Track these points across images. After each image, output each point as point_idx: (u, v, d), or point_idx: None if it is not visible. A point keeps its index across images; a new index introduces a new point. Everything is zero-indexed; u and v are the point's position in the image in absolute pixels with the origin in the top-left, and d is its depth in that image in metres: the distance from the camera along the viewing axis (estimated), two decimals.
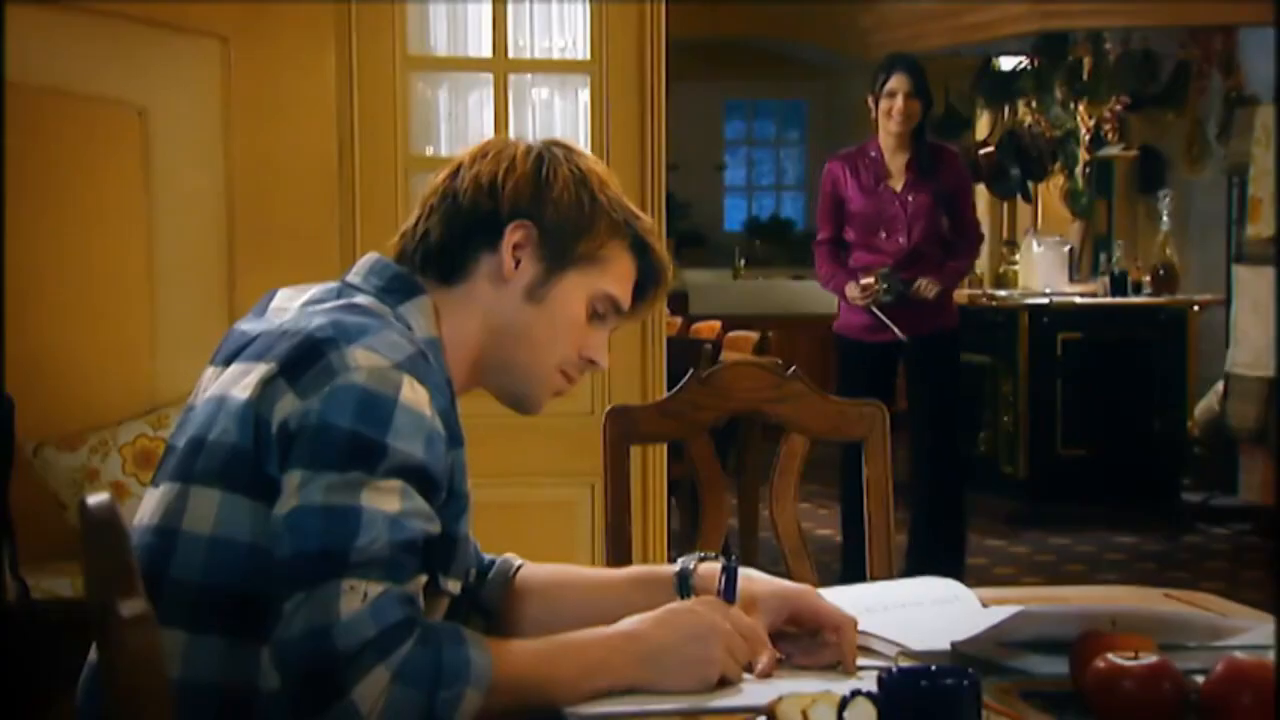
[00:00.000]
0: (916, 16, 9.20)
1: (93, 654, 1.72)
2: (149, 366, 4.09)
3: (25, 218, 3.78)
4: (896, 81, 5.90)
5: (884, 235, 5.92)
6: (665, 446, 4.34)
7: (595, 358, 1.88)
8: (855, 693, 1.49)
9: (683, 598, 1.87)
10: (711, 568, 1.92)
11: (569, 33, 4.41)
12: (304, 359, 1.64)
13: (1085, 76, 8.95)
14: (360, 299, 1.76)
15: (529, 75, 4.40)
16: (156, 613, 1.63)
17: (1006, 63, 9.32)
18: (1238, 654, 1.57)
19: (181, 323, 4.10)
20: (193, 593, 1.65)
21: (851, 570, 5.46)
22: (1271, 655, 1.67)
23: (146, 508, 1.73)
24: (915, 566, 5.59)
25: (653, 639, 1.69)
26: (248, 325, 1.79)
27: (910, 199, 5.93)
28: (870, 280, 5.83)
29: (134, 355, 4.08)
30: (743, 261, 11.89)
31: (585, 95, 4.39)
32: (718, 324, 7.65)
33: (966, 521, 6.26)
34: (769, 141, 13.04)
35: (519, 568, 2.01)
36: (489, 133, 4.31)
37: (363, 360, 1.63)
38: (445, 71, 4.38)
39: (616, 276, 1.86)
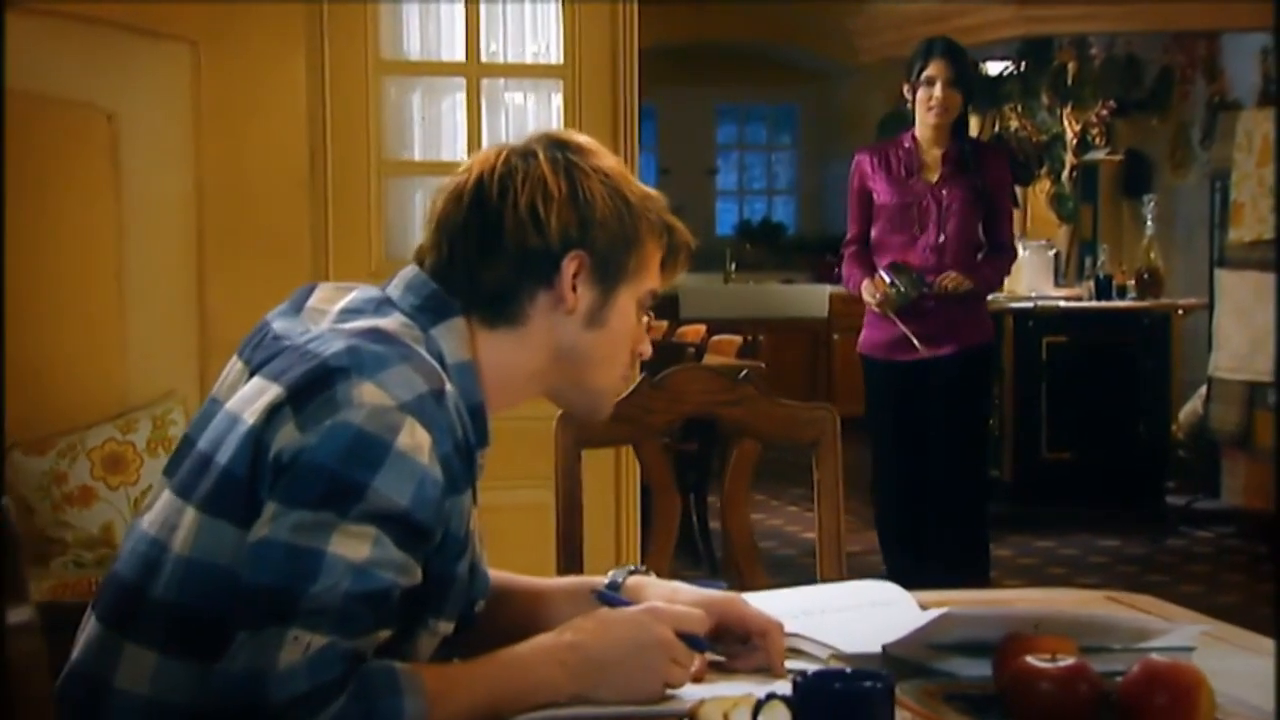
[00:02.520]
0: (903, 21, 9.22)
1: (74, 654, 1.72)
2: (119, 370, 4.09)
3: None
4: (935, 68, 5.35)
5: (915, 231, 5.38)
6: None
7: (644, 351, 1.89)
8: (770, 695, 1.51)
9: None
10: (639, 581, 1.93)
11: (542, 37, 4.43)
12: (311, 387, 1.61)
13: (1070, 81, 8.98)
14: (391, 320, 1.72)
15: (502, 80, 4.41)
16: (132, 629, 1.65)
17: (993, 67, 9.34)
18: (1155, 655, 1.58)
19: (151, 327, 4.11)
20: (169, 614, 1.64)
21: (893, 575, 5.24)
22: (1186, 657, 1.69)
23: (156, 508, 1.72)
24: (937, 577, 5.46)
25: (595, 651, 1.68)
26: (280, 324, 1.77)
27: (944, 193, 5.38)
28: (885, 275, 5.31)
29: (104, 359, 4.09)
30: (733, 265, 11.92)
31: (558, 99, 4.41)
32: (703, 328, 7.65)
33: (988, 532, 5.85)
34: (760, 146, 13.05)
35: None
36: (462, 137, 4.33)
37: (368, 398, 1.59)
38: (418, 76, 4.39)
39: (655, 269, 1.85)
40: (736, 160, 13.01)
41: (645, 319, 1.88)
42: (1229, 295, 7.51)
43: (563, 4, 4.35)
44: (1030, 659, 1.58)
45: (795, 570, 6.00)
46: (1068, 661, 1.57)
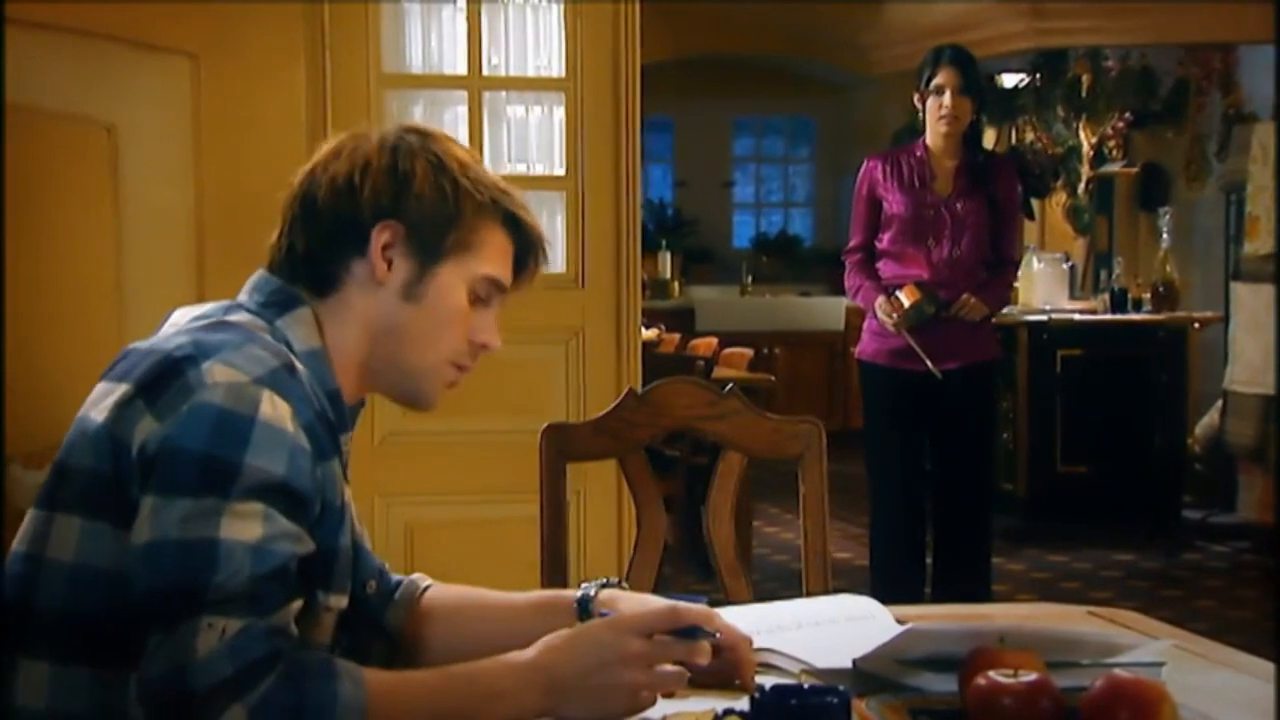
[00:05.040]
0: (918, 33, 9.21)
1: None
2: None
3: None
4: (944, 76, 5.25)
5: (929, 244, 5.29)
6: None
7: (486, 341, 1.85)
8: (728, 711, 1.50)
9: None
10: (613, 594, 1.91)
11: (545, 50, 4.42)
12: (161, 378, 1.61)
13: (1084, 94, 8.96)
14: (237, 316, 1.74)
15: (504, 93, 4.41)
16: (22, 643, 1.62)
17: (1008, 80, 9.33)
18: (1118, 671, 1.56)
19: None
20: (56, 622, 1.62)
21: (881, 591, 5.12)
22: (1156, 672, 1.67)
23: (22, 527, 1.70)
24: (941, 592, 5.42)
25: (556, 669, 1.64)
26: (140, 344, 1.75)
27: (959, 206, 5.30)
28: (903, 296, 5.21)
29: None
30: (750, 278, 11.91)
31: (560, 112, 4.40)
32: (714, 340, 7.65)
33: (990, 548, 5.74)
34: (777, 158, 13.05)
35: (425, 589, 1.98)
36: None
37: (220, 376, 1.59)
38: (420, 89, 4.38)
39: (493, 257, 1.82)
40: (753, 173, 13.00)
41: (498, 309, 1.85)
42: (1244, 308, 7.48)
43: (565, 17, 4.35)
44: (993, 674, 1.56)
45: None
46: (1030, 677, 1.55)
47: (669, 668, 1.66)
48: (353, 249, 1.78)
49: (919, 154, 5.35)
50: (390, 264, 1.78)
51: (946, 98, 5.25)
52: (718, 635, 1.73)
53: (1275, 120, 7.42)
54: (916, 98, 5.39)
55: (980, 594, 5.41)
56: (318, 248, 1.78)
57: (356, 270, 1.78)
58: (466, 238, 1.80)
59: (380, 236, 1.77)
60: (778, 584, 6.29)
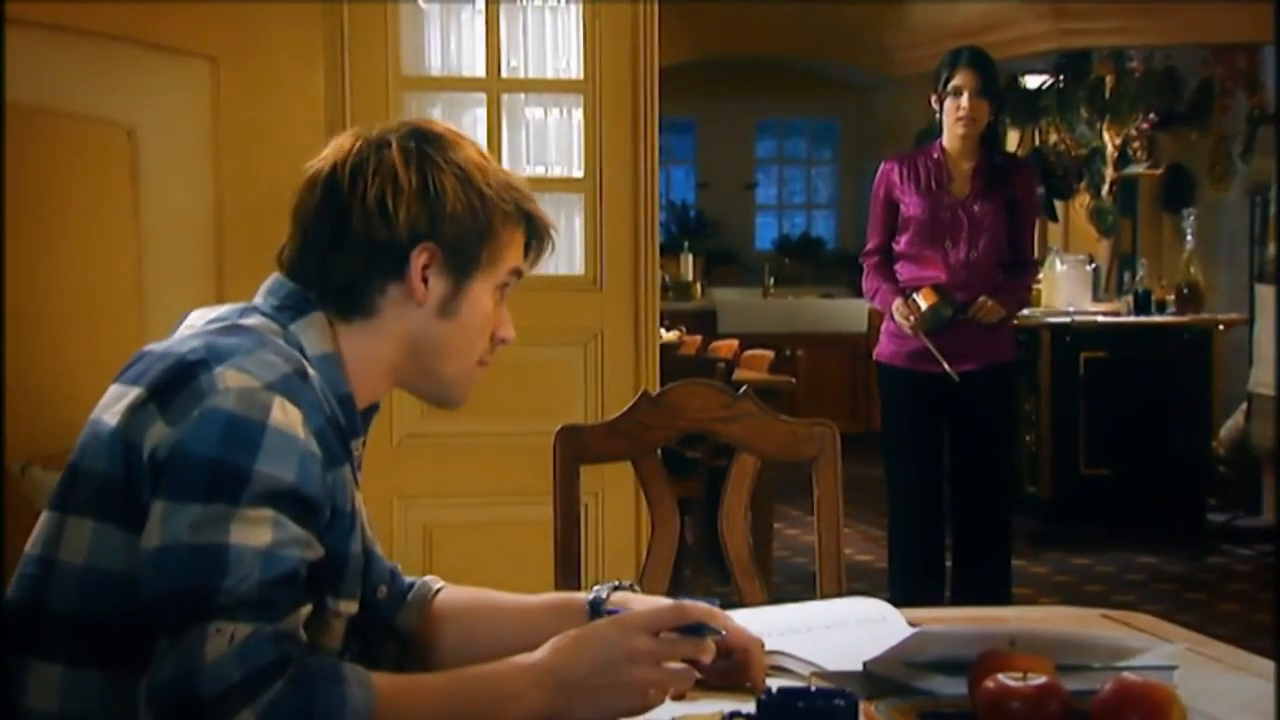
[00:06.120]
0: (941, 34, 9.18)
1: None
2: None
3: (13, 236, 3.79)
4: (962, 78, 5.23)
5: (946, 246, 5.27)
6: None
7: (506, 336, 1.87)
8: (734, 713, 1.50)
9: None
10: (624, 596, 1.91)
11: (563, 52, 4.42)
12: (173, 382, 1.61)
13: (1108, 95, 8.91)
14: (251, 319, 1.74)
15: (522, 95, 4.41)
16: (34, 645, 1.62)
17: (1031, 81, 9.29)
18: (1127, 674, 1.56)
19: None
20: (69, 624, 1.62)
21: (901, 594, 5.15)
22: (1168, 676, 1.67)
23: (35, 531, 1.70)
24: (960, 595, 5.40)
25: (564, 669, 1.64)
26: (154, 346, 1.75)
27: (976, 208, 5.28)
28: (920, 299, 5.20)
29: None
30: (772, 280, 11.89)
31: (579, 114, 4.40)
32: (735, 342, 7.63)
33: (1009, 551, 5.68)
34: (800, 160, 13.03)
35: (438, 591, 1.98)
36: None
37: (232, 381, 1.60)
38: (439, 91, 4.39)
39: (514, 253, 1.84)
40: (776, 174, 12.98)
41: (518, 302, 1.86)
42: (1269, 310, 7.44)
43: (583, 18, 4.35)
44: (1002, 677, 1.56)
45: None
46: (1040, 680, 1.55)
47: (677, 665, 1.65)
48: (390, 273, 1.77)
49: (936, 156, 5.34)
50: (426, 283, 1.78)
51: (964, 99, 5.24)
52: (724, 633, 1.74)
53: (1275, 121, 7.37)
54: (934, 99, 5.38)
55: (1000, 597, 5.38)
56: (354, 275, 1.77)
57: (392, 292, 1.78)
58: (494, 250, 1.81)
59: (419, 259, 1.77)
60: (798, 586, 6.28)
